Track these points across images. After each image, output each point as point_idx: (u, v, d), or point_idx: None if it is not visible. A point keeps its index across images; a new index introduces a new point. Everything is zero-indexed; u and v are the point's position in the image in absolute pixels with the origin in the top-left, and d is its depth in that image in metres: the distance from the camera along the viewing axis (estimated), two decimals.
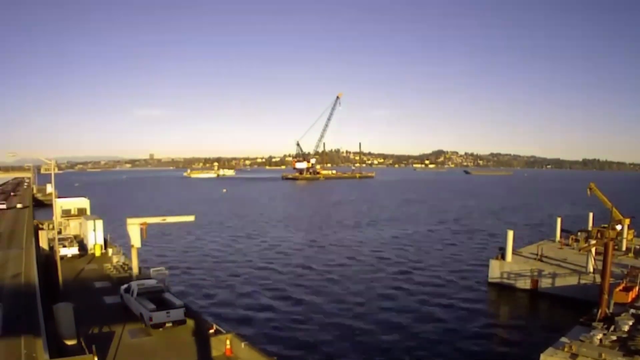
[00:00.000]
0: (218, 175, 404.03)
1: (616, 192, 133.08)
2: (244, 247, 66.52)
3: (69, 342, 22.31)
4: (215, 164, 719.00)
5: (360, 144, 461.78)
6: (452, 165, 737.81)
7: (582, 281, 38.85)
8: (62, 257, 38.44)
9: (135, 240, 34.62)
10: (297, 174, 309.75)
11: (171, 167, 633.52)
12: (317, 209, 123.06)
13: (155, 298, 27.79)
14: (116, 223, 63.05)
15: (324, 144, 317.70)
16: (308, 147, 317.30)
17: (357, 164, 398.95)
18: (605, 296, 27.87)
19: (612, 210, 50.52)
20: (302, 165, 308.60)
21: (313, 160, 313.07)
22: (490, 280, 45.20)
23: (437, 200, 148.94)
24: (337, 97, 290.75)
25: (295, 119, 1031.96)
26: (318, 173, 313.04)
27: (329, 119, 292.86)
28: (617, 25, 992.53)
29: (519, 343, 31.30)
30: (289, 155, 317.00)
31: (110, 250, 45.43)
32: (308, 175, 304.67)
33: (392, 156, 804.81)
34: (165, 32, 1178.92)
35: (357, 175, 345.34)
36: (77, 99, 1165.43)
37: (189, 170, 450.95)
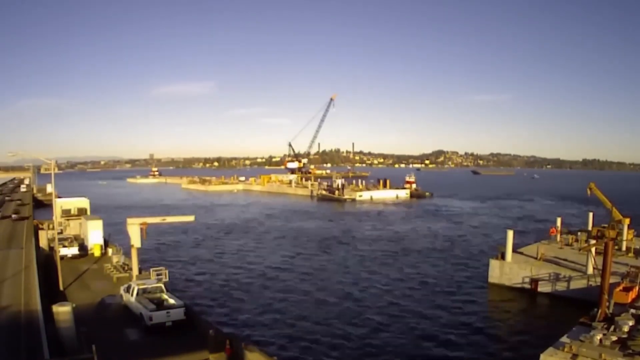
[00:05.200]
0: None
1: (616, 192, 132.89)
2: (244, 247, 66.58)
3: (69, 343, 22.34)
4: (216, 163, 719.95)
5: (353, 144, 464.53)
6: (452, 165, 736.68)
7: (582, 281, 38.82)
8: (62, 257, 38.55)
9: (135, 240, 34.67)
10: (288, 173, 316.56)
11: (171, 167, 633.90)
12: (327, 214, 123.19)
13: (155, 298, 27.88)
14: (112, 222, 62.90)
15: (318, 144, 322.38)
16: (304, 148, 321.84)
17: (351, 164, 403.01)
18: (605, 296, 27.82)
19: (612, 210, 50.51)
20: (294, 165, 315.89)
21: (305, 160, 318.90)
22: (490, 280, 45.23)
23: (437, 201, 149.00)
24: (331, 99, 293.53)
25: (297, 119, 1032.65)
26: (309, 172, 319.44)
27: (322, 120, 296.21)
28: (617, 24, 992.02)
29: (519, 343, 31.29)
30: (288, 155, 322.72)
31: (110, 250, 45.50)
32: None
33: (392, 156, 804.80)
34: (164, 34, 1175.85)
35: (350, 174, 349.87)
36: (77, 98, 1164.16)
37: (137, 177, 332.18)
